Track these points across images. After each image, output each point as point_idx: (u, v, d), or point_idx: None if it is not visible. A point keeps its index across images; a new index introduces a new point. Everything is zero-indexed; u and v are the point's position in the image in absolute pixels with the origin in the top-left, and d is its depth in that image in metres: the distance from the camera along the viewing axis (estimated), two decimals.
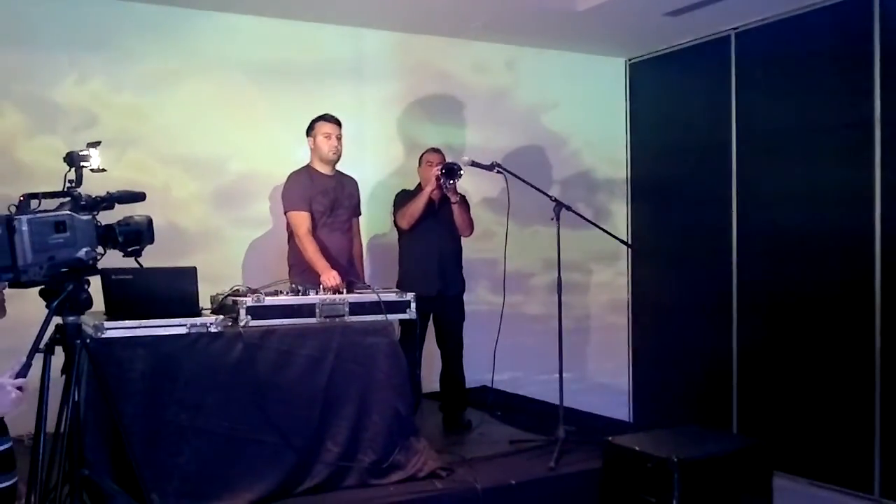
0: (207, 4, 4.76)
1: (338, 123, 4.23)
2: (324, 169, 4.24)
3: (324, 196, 4.15)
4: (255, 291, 3.49)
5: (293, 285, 3.73)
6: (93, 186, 2.59)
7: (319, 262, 3.98)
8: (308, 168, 4.25)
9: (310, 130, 4.28)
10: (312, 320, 3.46)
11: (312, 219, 4.12)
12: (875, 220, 4.47)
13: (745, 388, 5.25)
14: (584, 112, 6.04)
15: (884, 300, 4.45)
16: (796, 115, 4.93)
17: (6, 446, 2.20)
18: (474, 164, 4.25)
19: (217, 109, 4.87)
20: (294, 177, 4.21)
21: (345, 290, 3.71)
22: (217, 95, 4.89)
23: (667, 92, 5.94)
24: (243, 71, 4.97)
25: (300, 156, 5.10)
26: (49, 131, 4.49)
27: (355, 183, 4.40)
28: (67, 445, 2.48)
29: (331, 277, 3.87)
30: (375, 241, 5.30)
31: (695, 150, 5.66)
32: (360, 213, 4.42)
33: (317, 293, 3.59)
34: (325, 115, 4.25)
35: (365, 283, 4.01)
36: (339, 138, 4.21)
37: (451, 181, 4.32)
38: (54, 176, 2.60)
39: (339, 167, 4.37)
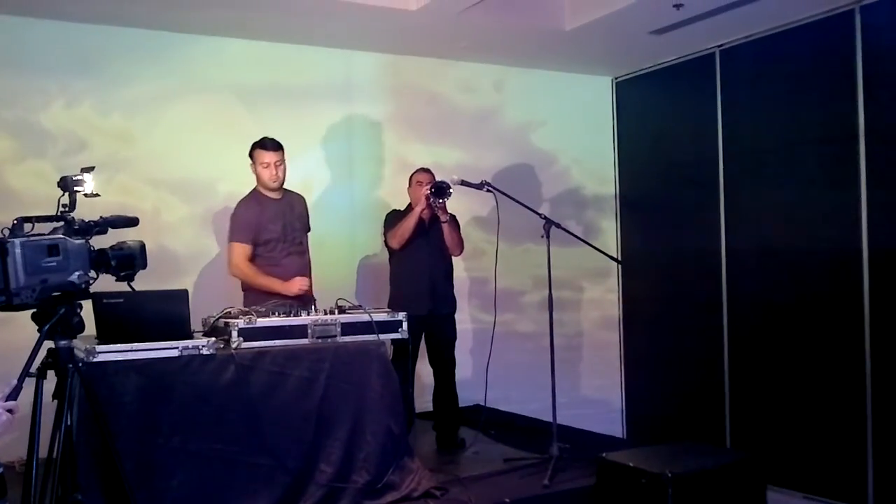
0: (196, 28, 4.80)
1: (277, 149, 4.11)
2: (271, 193, 4.18)
3: (274, 223, 4.12)
4: (246, 313, 3.50)
5: (284, 306, 3.74)
6: (82, 211, 2.61)
7: (272, 282, 4.00)
8: (256, 193, 4.18)
9: (251, 155, 4.19)
10: (304, 341, 3.46)
11: (256, 247, 4.08)
12: (862, 234, 4.51)
13: (738, 402, 5.26)
14: (571, 130, 6.09)
15: (872, 313, 4.48)
16: (782, 131, 4.99)
17: None
18: (464, 183, 4.28)
19: (206, 132, 4.89)
20: (243, 204, 4.14)
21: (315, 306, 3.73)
22: (206, 118, 4.92)
23: (653, 109, 6.00)
24: (232, 93, 5.00)
25: (290, 178, 5.10)
26: (38, 156, 4.51)
27: (303, 200, 4.35)
28: (60, 470, 2.48)
29: (294, 283, 3.95)
30: (366, 261, 5.32)
31: (682, 165, 5.72)
32: (309, 230, 4.36)
33: (308, 314, 3.59)
34: (263, 140, 4.13)
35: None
36: (278, 165, 4.09)
37: (441, 200, 4.35)
38: (43, 200, 2.62)
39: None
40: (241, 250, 4.05)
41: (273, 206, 4.14)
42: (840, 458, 4.59)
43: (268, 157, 4.08)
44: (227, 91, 4.98)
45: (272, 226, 4.11)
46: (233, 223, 4.10)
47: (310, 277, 4.23)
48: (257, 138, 4.99)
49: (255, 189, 4.20)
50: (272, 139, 4.14)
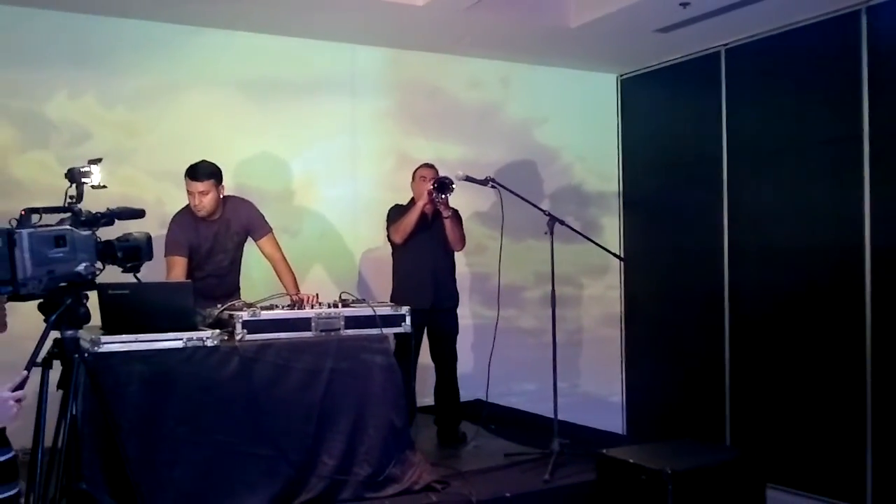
0: (201, 20, 4.80)
1: (204, 178, 3.92)
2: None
3: (205, 242, 4.05)
4: (250, 306, 3.53)
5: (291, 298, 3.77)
6: (88, 202, 2.63)
7: None
8: (190, 208, 4.05)
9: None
10: (308, 334, 3.49)
11: (191, 260, 4.01)
12: (865, 234, 4.52)
13: (738, 400, 5.28)
14: (575, 127, 6.10)
15: (874, 313, 4.50)
16: (786, 130, 5.00)
17: (8, 456, 2.22)
18: (469, 178, 4.29)
19: (210, 125, 4.91)
20: (178, 219, 4.06)
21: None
22: (210, 111, 4.93)
23: (658, 107, 6.01)
24: (237, 87, 5.02)
25: (294, 171, 5.19)
26: (41, 146, 4.52)
27: (248, 209, 4.19)
28: (65, 459, 2.51)
29: None
30: (369, 254, 5.34)
31: (686, 164, 5.73)
32: (267, 231, 4.18)
33: (312, 307, 3.61)
34: (191, 168, 3.96)
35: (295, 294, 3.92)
36: (203, 195, 3.93)
37: (443, 196, 4.36)
38: (46, 191, 2.65)
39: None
40: (181, 263, 3.95)
41: (206, 225, 4.06)
42: (839, 456, 4.61)
43: (192, 186, 3.94)
44: (231, 84, 5.00)
45: (204, 242, 4.05)
46: (167, 236, 3.98)
47: (290, 272, 4.13)
48: (261, 132, 5.05)
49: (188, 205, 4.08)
50: (203, 166, 3.96)
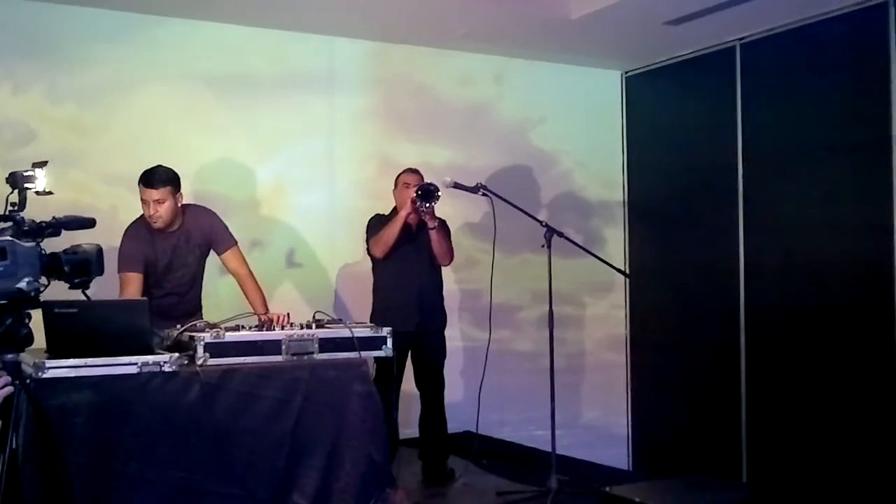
0: (162, 9, 4.80)
1: (160, 185, 3.90)
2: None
3: (161, 256, 4.04)
4: (213, 326, 3.50)
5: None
6: (32, 210, 2.59)
7: None
8: (145, 219, 4.03)
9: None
10: (278, 358, 3.46)
11: (148, 277, 4.01)
12: (894, 245, 4.55)
13: (756, 431, 5.29)
14: (576, 128, 6.13)
15: None
16: (807, 132, 5.03)
17: None
18: (458, 185, 4.30)
19: (171, 124, 4.91)
20: (131, 230, 4.05)
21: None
22: (172, 108, 4.93)
23: (667, 107, 6.05)
24: (200, 82, 5.02)
25: (263, 177, 5.21)
26: None
27: (210, 219, 4.19)
28: (2, 498, 2.47)
29: None
30: (347, 270, 5.34)
31: (698, 170, 5.76)
32: (232, 244, 4.19)
33: (282, 328, 3.60)
34: (144, 174, 3.94)
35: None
36: (159, 203, 3.91)
37: (429, 204, 4.36)
38: None
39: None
40: (136, 280, 3.94)
41: (163, 238, 4.05)
42: (871, 496, 4.60)
43: (147, 194, 3.92)
44: (194, 79, 5.00)
45: (162, 258, 4.04)
46: (120, 250, 3.97)
47: (258, 291, 4.14)
48: (229, 132, 5.05)
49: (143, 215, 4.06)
50: (160, 172, 3.94)
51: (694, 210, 5.79)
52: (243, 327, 3.57)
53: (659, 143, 6.11)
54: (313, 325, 3.67)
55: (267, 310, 4.05)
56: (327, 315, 3.81)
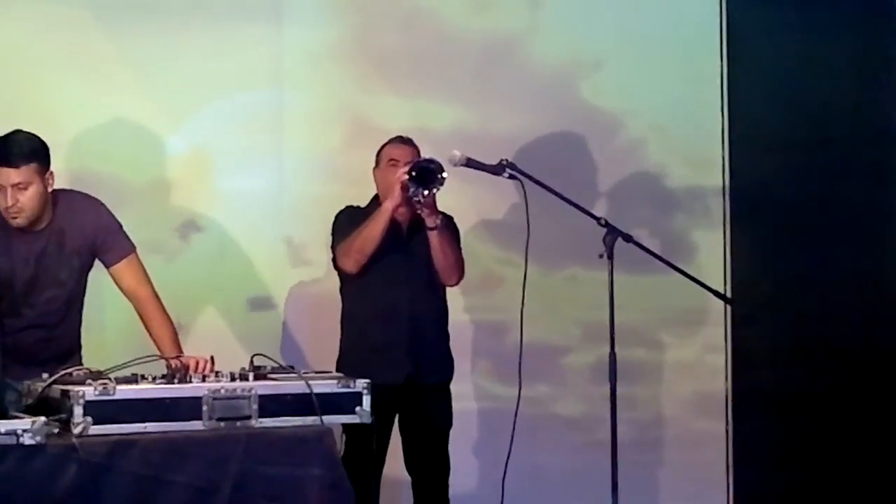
0: None
1: (18, 160, 3.87)
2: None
3: (23, 266, 4.05)
4: (99, 376, 3.48)
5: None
6: None
7: None
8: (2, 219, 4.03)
9: None
10: (197, 425, 3.46)
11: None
12: None
13: None
14: (650, 77, 6.11)
15: None
16: None
17: None
18: (471, 163, 4.28)
19: (35, 68, 4.94)
20: None
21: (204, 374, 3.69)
22: (36, 44, 4.96)
23: (791, 44, 6.04)
24: (85, 6, 5.04)
25: (174, 149, 5.26)
26: None
27: (94, 213, 4.20)
28: None
29: None
30: (301, 291, 5.37)
31: (839, 142, 5.76)
32: (127, 251, 4.21)
33: (203, 379, 3.60)
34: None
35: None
36: (20, 189, 3.88)
37: (427, 191, 4.35)
38: None
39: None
40: None
41: (23, 240, 4.05)
42: None
43: (3, 175, 3.89)
44: (73, 3, 5.02)
45: (21, 271, 4.04)
46: None
47: (169, 327, 4.15)
48: (118, 82, 5.08)
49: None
50: (19, 142, 3.93)
51: (832, 201, 5.80)
52: (144, 378, 3.56)
53: (778, 100, 6.09)
54: (250, 376, 3.66)
55: (181, 351, 4.04)
56: (271, 360, 3.82)
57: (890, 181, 5.42)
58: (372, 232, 4.45)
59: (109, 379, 3.47)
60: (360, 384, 3.71)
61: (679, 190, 6.28)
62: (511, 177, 4.28)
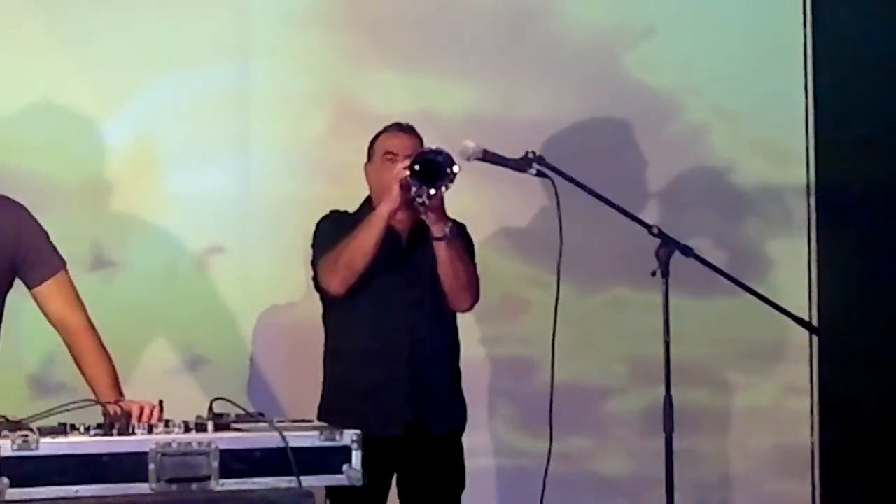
0: None
1: None
2: None
3: None
4: (17, 426, 3.47)
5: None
6: None
7: None
8: None
9: None
10: (143, 488, 3.45)
11: None
12: None
13: None
14: (714, 47, 6.15)
15: None
16: None
17: None
18: (487, 156, 4.26)
19: None
20: None
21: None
22: None
23: (892, 10, 6.02)
24: None
25: (113, 140, 5.37)
26: None
27: (14, 219, 4.23)
28: None
29: None
30: (272, 318, 5.40)
31: None
32: (56, 268, 4.23)
33: (150, 430, 3.58)
34: None
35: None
36: None
37: (434, 191, 4.34)
38: None
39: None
40: None
41: None
42: None
43: None
44: None
45: None
46: None
47: (105, 362, 4.16)
48: (45, 55, 5.17)
49: None
50: None
51: None
52: (75, 428, 3.55)
53: (878, 77, 6.11)
54: (209, 425, 3.65)
55: (121, 394, 4.03)
56: (236, 405, 3.81)
57: None
58: (363, 243, 4.45)
59: (31, 430, 3.46)
60: (349, 436, 3.68)
61: (751, 189, 6.30)
62: (539, 173, 4.22)
